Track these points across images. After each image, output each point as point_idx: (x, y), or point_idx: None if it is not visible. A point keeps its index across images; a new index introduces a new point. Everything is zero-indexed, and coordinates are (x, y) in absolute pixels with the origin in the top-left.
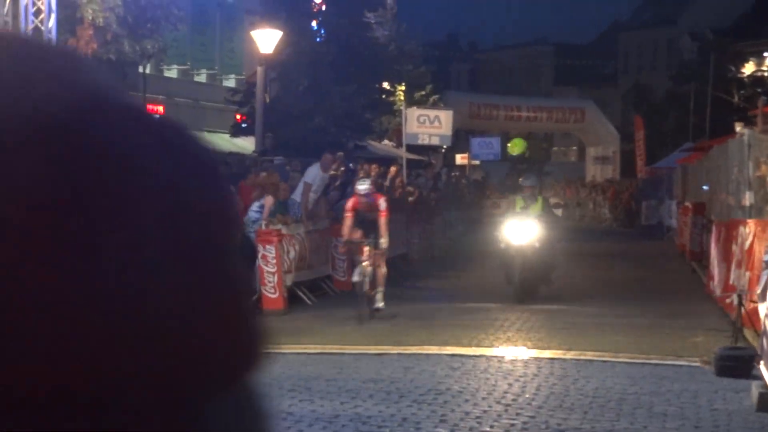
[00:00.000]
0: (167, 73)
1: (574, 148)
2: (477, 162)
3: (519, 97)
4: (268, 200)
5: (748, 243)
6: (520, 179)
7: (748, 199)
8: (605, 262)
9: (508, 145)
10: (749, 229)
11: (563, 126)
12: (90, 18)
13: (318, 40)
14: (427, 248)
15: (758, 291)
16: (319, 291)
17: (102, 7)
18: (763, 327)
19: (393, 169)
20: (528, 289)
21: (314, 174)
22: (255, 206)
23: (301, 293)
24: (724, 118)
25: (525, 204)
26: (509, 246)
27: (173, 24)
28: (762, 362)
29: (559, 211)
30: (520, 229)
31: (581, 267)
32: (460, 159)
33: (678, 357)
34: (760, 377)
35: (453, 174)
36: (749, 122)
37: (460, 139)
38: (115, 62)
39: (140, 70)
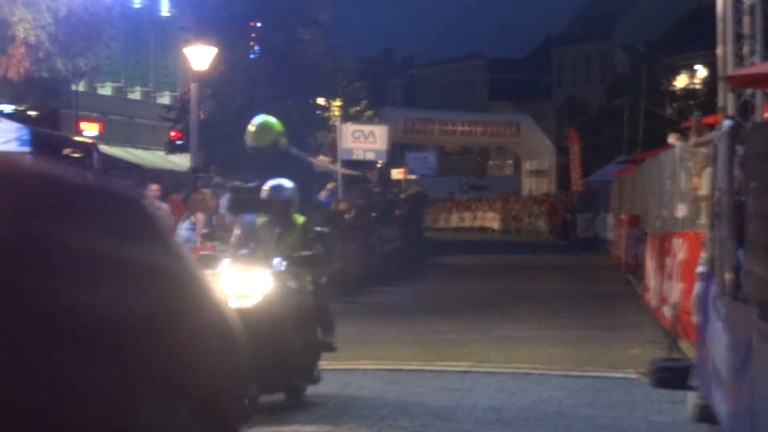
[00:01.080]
0: (101, 91)
1: (510, 161)
2: (413, 176)
3: (454, 112)
4: (199, 217)
5: (681, 255)
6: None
7: (680, 211)
8: (542, 274)
9: (248, 128)
10: (683, 240)
11: (499, 140)
12: (22, 36)
13: (252, 56)
14: (365, 263)
15: (692, 302)
16: None
17: (33, 25)
18: (697, 338)
19: (330, 184)
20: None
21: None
22: (186, 224)
23: None
24: (658, 131)
25: (270, 231)
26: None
27: (106, 41)
28: (697, 373)
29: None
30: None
31: (517, 280)
32: (396, 174)
33: (615, 369)
34: (696, 388)
35: (391, 190)
36: (683, 134)
37: (396, 154)
38: (48, 80)
39: (73, 87)
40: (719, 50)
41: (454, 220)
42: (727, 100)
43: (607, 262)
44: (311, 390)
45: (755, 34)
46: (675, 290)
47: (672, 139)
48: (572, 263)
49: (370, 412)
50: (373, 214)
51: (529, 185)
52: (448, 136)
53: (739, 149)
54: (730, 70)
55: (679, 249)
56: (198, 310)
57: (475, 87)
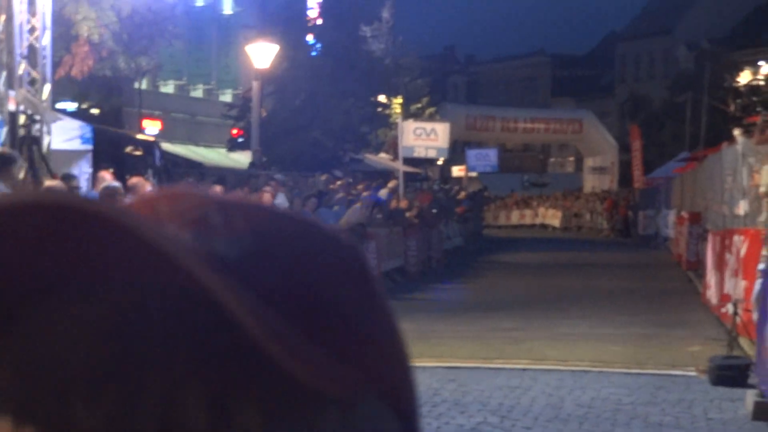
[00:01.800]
0: (163, 89)
1: (572, 158)
2: (474, 174)
3: (516, 109)
4: None
5: (743, 252)
6: None
7: (742, 207)
8: (602, 272)
9: None
10: (744, 237)
11: (561, 137)
12: (85, 35)
13: (314, 54)
14: (425, 261)
15: (753, 300)
16: None
17: (97, 23)
18: (757, 335)
19: (392, 182)
20: None
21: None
22: None
23: None
24: (721, 127)
25: None
26: None
27: (168, 40)
28: (757, 371)
29: None
30: None
31: (578, 277)
32: (457, 171)
33: (674, 367)
34: (756, 386)
35: (453, 186)
36: (747, 131)
37: (457, 151)
38: (111, 78)
39: (136, 86)
40: None
41: (515, 217)
42: None
43: (667, 260)
44: None
45: None
46: (736, 288)
47: (737, 133)
48: (633, 261)
49: (427, 409)
50: (434, 211)
51: (591, 182)
52: (510, 133)
53: None
54: None
55: (740, 246)
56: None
57: (538, 84)
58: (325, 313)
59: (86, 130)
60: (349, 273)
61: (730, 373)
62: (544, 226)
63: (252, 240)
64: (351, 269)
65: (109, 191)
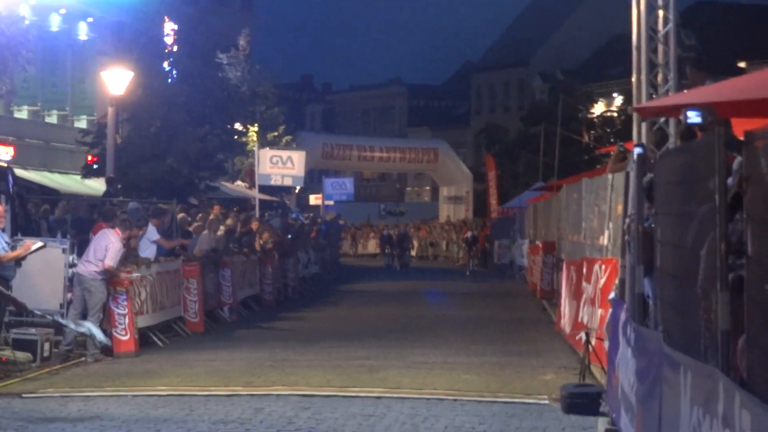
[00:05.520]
0: (17, 114)
1: (428, 188)
2: (330, 202)
3: (372, 138)
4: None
5: (602, 281)
6: None
7: (606, 238)
8: (458, 301)
9: None
10: (605, 267)
11: (417, 166)
12: None
13: (170, 80)
14: (281, 289)
15: (604, 328)
16: (171, 333)
17: None
18: (608, 363)
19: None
20: None
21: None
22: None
23: (153, 335)
24: (574, 158)
25: None
26: None
27: (22, 65)
28: (607, 399)
29: None
30: None
31: (433, 306)
32: (314, 199)
33: (527, 395)
34: (607, 413)
35: (306, 215)
36: (598, 162)
37: (314, 179)
38: None
39: None
40: (634, 78)
41: (371, 246)
42: (640, 128)
43: (522, 289)
44: (222, 416)
45: (669, 62)
46: (593, 316)
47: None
48: (488, 290)
49: None
50: (288, 236)
51: (446, 211)
52: (367, 162)
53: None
54: (645, 98)
55: (601, 275)
56: None
57: (394, 113)
58: None
59: None
60: None
61: (582, 401)
62: None
63: None
64: None
65: None
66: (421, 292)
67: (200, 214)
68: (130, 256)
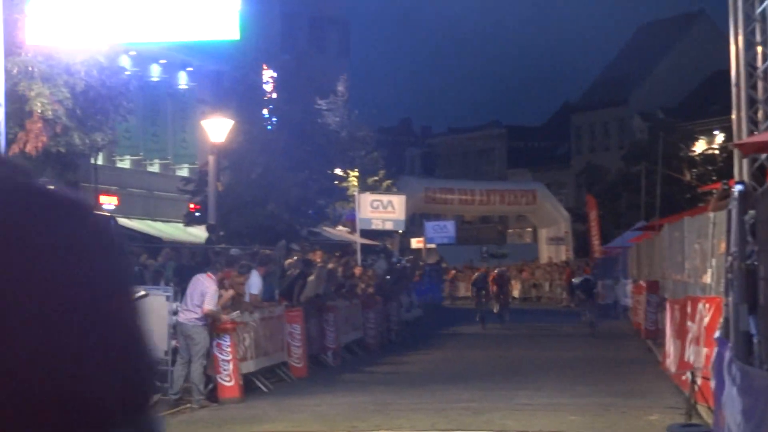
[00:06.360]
0: (120, 164)
1: (530, 229)
2: (433, 245)
3: (472, 181)
4: (228, 293)
5: (707, 320)
6: None
7: (709, 276)
8: (562, 342)
9: None
10: (709, 305)
11: (516, 208)
12: (39, 111)
13: (269, 127)
14: (384, 333)
15: (710, 367)
16: (275, 378)
17: (51, 99)
18: (714, 403)
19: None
20: None
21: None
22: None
23: (257, 381)
24: (676, 197)
25: None
26: None
27: (123, 115)
28: None
29: None
30: None
31: (537, 348)
32: (416, 243)
33: None
34: None
35: (407, 258)
36: (700, 200)
37: (415, 223)
38: (65, 154)
39: (92, 161)
40: (734, 115)
41: (461, 289)
42: (741, 165)
43: (626, 329)
44: None
45: None
46: (698, 356)
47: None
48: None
49: None
50: (387, 277)
51: (548, 252)
52: (467, 205)
53: (751, 214)
54: (745, 135)
55: (705, 314)
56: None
57: (494, 155)
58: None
59: None
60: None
61: None
62: None
63: None
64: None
65: None
66: (524, 334)
67: (296, 257)
68: (237, 303)
